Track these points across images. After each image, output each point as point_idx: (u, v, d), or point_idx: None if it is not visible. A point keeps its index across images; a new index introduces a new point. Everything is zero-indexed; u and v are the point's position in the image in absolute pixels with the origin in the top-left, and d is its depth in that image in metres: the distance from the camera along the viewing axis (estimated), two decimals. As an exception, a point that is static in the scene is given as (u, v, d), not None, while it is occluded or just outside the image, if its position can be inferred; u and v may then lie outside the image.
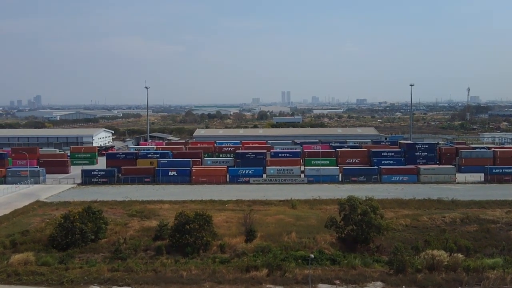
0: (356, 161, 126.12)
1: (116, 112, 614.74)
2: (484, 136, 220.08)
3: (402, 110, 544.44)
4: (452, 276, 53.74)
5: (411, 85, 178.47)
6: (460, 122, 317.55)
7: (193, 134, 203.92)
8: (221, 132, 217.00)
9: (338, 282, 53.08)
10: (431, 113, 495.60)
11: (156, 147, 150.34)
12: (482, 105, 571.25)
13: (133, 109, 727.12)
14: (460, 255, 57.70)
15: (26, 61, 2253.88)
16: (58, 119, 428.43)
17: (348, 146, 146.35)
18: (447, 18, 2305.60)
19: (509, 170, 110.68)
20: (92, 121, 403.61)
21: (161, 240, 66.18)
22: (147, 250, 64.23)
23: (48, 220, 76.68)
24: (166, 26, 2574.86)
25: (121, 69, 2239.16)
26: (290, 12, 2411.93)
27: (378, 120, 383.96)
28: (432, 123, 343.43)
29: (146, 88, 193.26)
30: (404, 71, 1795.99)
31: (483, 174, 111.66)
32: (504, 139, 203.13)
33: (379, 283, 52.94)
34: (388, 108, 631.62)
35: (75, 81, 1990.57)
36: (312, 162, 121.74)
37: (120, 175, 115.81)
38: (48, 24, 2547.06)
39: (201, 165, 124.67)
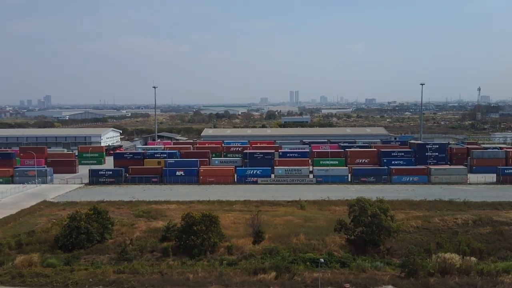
0: (366, 161, 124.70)
1: (125, 111, 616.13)
2: (496, 136, 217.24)
3: (411, 110, 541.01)
4: (465, 280, 52.35)
5: (422, 84, 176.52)
6: (470, 122, 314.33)
7: (201, 134, 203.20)
8: (229, 132, 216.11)
9: (348, 286, 51.83)
10: (441, 113, 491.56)
11: (164, 147, 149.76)
12: (492, 105, 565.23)
13: (142, 108, 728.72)
14: (473, 258, 56.37)
15: (37, 61, 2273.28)
16: (67, 118, 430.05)
17: (357, 146, 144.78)
18: (456, 18, 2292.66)
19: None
20: (100, 121, 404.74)
21: (167, 241, 65.34)
22: (154, 252, 63.40)
23: (54, 221, 76.21)
24: (173, 26, 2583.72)
25: (130, 69, 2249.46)
26: (297, 12, 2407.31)
27: (388, 120, 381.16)
28: (442, 123, 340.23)
29: (154, 87, 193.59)
30: (413, 71, 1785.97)
31: (495, 174, 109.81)
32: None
33: (390, 287, 51.65)
34: (397, 108, 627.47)
35: (85, 81, 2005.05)
36: (321, 162, 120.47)
37: (127, 175, 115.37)
38: (58, 24, 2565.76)
39: (209, 165, 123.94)
